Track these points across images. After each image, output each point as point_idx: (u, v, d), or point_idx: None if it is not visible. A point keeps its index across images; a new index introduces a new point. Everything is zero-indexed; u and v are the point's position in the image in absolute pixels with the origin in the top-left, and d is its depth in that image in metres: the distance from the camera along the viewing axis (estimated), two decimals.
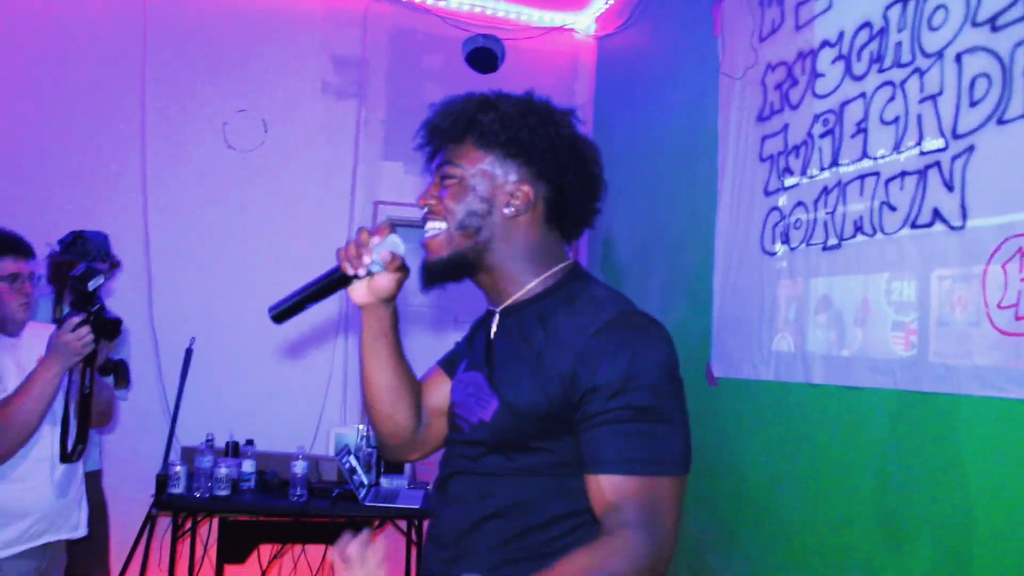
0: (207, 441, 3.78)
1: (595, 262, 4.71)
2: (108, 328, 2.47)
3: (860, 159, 2.68)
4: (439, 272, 1.52)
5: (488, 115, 1.50)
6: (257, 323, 4.39)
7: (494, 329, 1.56)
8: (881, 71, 2.62)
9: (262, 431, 3.98)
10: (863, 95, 2.69)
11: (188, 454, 3.85)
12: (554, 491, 1.40)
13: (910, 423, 2.41)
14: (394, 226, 1.54)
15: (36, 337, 2.54)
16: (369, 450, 4.01)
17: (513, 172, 1.49)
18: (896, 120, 2.54)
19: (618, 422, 1.31)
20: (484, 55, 4.68)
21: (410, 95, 4.72)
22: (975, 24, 2.29)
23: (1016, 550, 2.04)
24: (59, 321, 2.43)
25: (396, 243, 1.54)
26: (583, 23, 4.90)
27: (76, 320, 2.39)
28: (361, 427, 4.12)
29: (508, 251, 1.51)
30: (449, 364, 1.73)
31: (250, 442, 3.90)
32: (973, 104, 2.27)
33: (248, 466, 3.74)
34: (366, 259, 1.53)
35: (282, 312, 1.55)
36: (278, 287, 4.49)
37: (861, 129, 2.69)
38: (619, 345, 1.34)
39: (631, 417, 1.31)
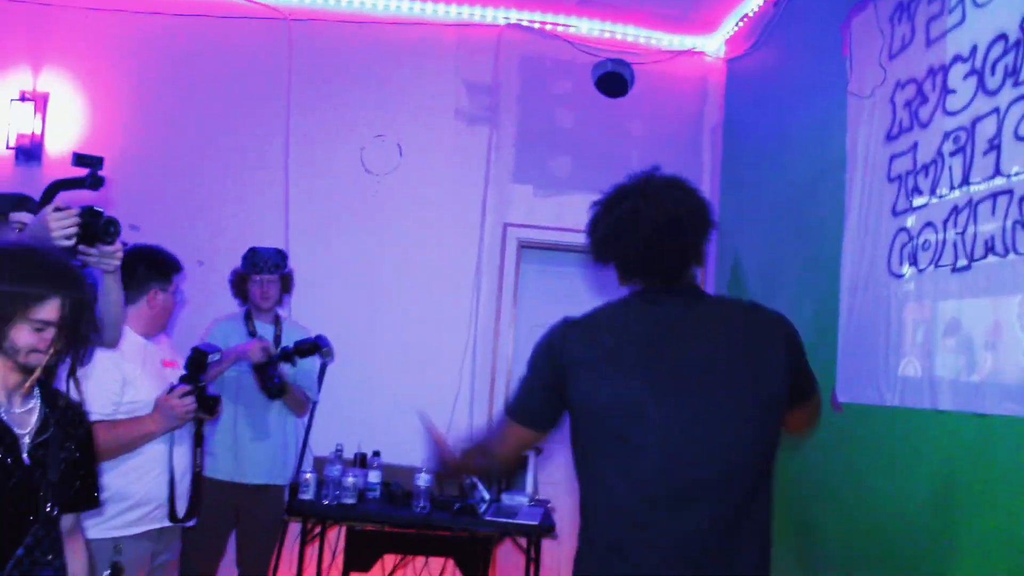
0: (336, 451, 3.95)
1: (723, 283, 4.66)
2: (208, 404, 2.72)
3: (992, 177, 2.57)
4: None
5: None
6: (388, 340, 4.61)
7: None
8: (1016, 84, 2.51)
9: (389, 444, 4.12)
10: (996, 110, 2.59)
11: (319, 464, 4.03)
12: None
13: None
14: None
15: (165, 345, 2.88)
16: None
17: None
18: None
19: None
20: (613, 80, 4.71)
21: (540, 119, 4.82)
22: None
23: None
24: (171, 387, 2.67)
25: None
26: (712, 46, 4.89)
27: (184, 389, 2.64)
28: None
29: None
30: None
31: (377, 454, 4.04)
32: None
33: (374, 476, 3.88)
34: None
35: None
36: (409, 306, 4.67)
37: (994, 146, 2.58)
38: None
39: None
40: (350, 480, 3.77)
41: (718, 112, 4.93)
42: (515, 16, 4.74)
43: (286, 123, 4.66)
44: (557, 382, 1.79)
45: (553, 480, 4.58)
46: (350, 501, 3.77)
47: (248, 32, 4.66)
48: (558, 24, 4.79)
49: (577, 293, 4.96)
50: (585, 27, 4.80)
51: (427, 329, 4.64)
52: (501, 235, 4.75)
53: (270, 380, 3.57)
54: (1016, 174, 2.47)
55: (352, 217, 4.67)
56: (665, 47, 4.90)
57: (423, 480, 3.81)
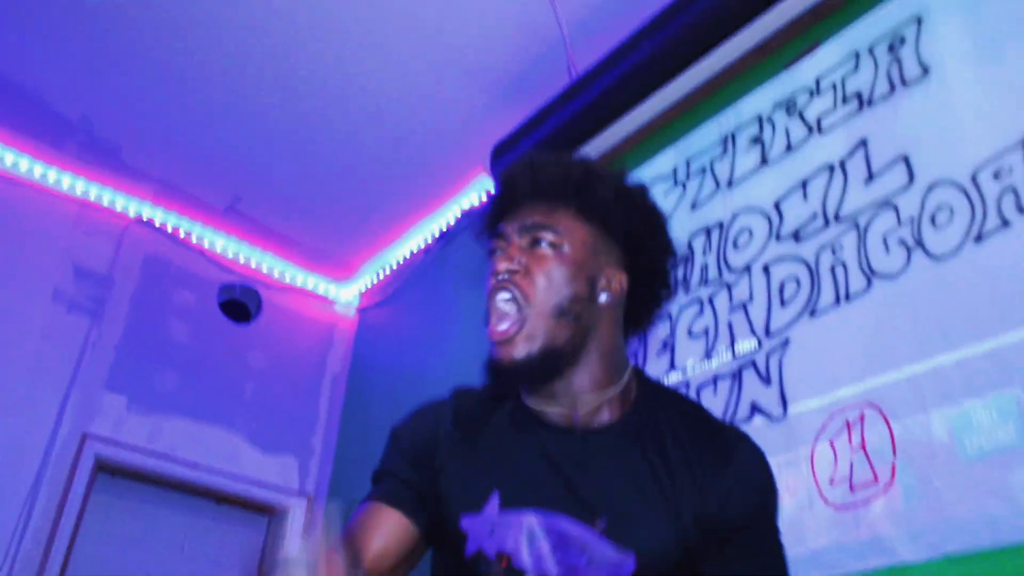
0: None
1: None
2: None
3: (668, 372, 2.76)
4: (525, 369, 1.26)
5: (598, 183, 1.35)
6: None
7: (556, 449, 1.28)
8: (687, 292, 2.81)
9: None
10: (668, 316, 2.85)
11: None
12: None
13: None
14: None
15: None
16: None
17: (612, 254, 1.34)
18: (706, 332, 2.69)
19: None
20: (239, 305, 4.55)
21: (153, 326, 4.35)
22: (779, 239, 2.58)
23: None
24: None
25: None
26: (346, 295, 4.94)
27: None
28: None
29: (598, 350, 1.30)
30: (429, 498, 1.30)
31: None
32: (784, 304, 2.48)
33: None
34: None
35: None
36: None
37: (667, 346, 2.81)
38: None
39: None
40: None
41: (343, 361, 4.85)
42: (148, 212, 4.40)
43: None
44: None
45: None
46: None
47: None
48: (193, 233, 4.53)
49: (157, 531, 4.24)
50: (221, 244, 4.59)
51: None
52: (76, 447, 3.97)
53: None
54: (692, 367, 2.68)
55: None
56: (299, 285, 4.83)
57: None
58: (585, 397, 1.28)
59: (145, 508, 4.25)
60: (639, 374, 1.37)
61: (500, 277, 1.27)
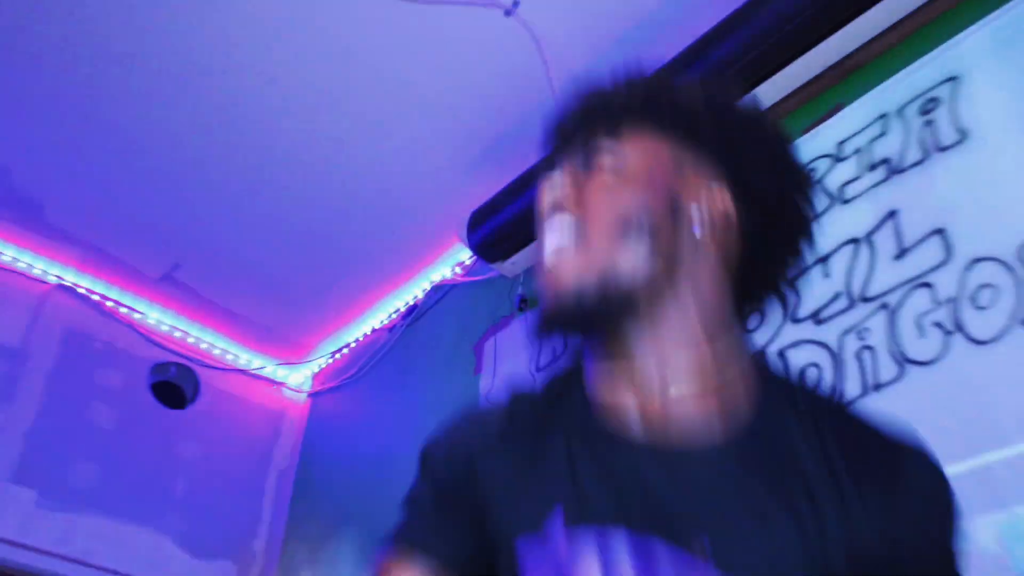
0: None
1: None
2: None
3: None
4: (574, 311, 1.02)
5: (675, 91, 1.14)
6: None
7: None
8: None
9: None
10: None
11: None
12: None
13: None
14: None
15: None
16: None
17: (705, 171, 1.10)
18: None
19: None
20: (173, 387, 4.52)
21: (72, 410, 4.32)
22: (797, 320, 2.60)
23: None
24: None
25: None
26: (297, 378, 4.94)
27: None
28: None
29: (693, 296, 1.06)
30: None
31: None
32: None
33: None
34: None
35: None
36: None
37: None
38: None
39: None
40: None
41: (291, 454, 4.81)
42: (71, 278, 4.40)
43: None
44: None
45: None
46: None
47: None
48: (122, 304, 4.52)
49: None
50: (154, 317, 4.59)
51: None
52: None
53: None
54: None
55: None
56: (242, 365, 4.82)
57: None
58: (676, 358, 1.03)
59: None
60: (758, 359, 1.12)
61: (548, 211, 1.08)
